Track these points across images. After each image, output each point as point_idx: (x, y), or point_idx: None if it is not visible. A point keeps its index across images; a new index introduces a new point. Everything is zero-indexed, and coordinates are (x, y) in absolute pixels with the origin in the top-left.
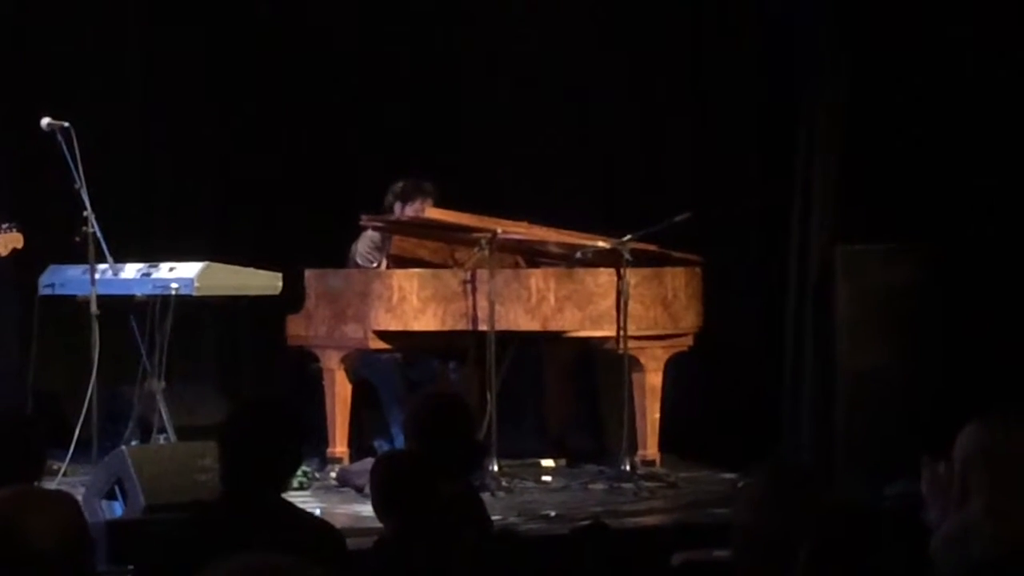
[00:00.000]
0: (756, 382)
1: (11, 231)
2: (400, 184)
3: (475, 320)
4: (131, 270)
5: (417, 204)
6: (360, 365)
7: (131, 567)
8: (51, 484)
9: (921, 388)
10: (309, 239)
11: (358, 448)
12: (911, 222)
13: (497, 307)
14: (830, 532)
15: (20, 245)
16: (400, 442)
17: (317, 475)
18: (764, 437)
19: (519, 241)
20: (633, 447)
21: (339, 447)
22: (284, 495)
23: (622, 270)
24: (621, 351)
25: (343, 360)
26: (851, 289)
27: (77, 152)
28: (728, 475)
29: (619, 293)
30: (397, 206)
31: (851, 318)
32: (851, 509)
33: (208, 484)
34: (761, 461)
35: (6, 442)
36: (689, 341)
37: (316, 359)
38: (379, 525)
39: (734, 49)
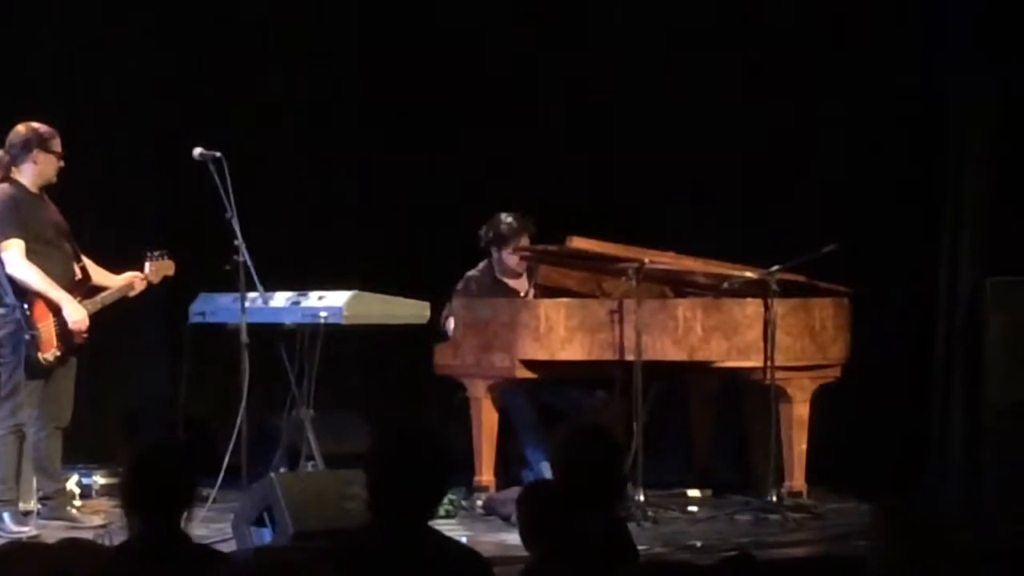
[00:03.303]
0: (905, 414)
1: (163, 259)
2: (493, 228)
3: (622, 350)
4: (280, 299)
5: (511, 247)
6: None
7: None
8: (200, 511)
9: None
10: (454, 267)
11: (504, 477)
12: None
13: (644, 337)
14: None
15: (171, 273)
16: (537, 468)
17: (464, 503)
18: (912, 470)
19: (666, 271)
20: (780, 478)
21: (486, 476)
22: (430, 523)
23: (769, 300)
24: (768, 382)
25: (490, 389)
26: (1001, 321)
27: (228, 181)
28: None
29: (766, 323)
30: (493, 250)
31: (1000, 350)
32: (983, 548)
33: (356, 512)
34: (888, 498)
35: (157, 470)
36: (837, 372)
37: (463, 388)
38: (525, 554)
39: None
